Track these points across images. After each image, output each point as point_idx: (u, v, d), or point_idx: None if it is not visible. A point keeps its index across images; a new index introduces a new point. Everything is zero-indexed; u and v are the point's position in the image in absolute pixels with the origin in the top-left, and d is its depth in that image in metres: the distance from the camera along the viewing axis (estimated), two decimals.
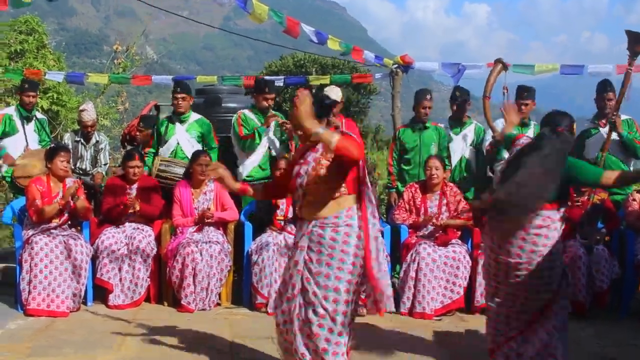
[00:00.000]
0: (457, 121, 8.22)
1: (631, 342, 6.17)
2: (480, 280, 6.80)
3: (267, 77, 8.99)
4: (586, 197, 7.16)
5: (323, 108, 4.47)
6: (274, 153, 7.72)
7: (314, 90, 5.07)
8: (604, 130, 7.53)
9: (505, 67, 6.08)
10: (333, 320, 4.30)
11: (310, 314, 4.31)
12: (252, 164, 7.67)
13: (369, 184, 4.46)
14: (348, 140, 4.11)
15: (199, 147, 7.85)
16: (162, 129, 7.93)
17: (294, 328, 4.38)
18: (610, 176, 4.62)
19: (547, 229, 4.63)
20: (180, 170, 7.60)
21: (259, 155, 7.69)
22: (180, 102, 7.87)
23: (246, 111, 7.78)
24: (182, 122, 7.93)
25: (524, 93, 7.70)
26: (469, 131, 8.17)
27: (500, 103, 6.33)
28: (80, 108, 8.49)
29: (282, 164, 7.18)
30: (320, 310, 4.29)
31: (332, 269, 4.32)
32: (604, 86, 7.80)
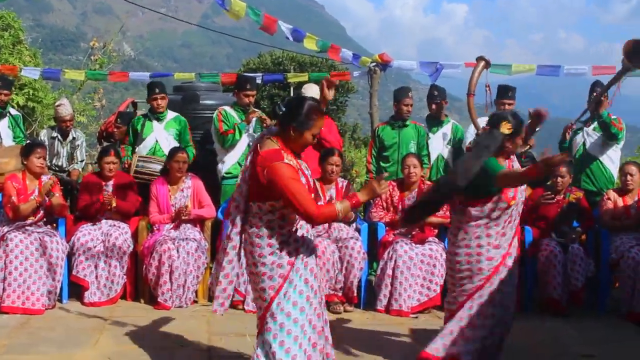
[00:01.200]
0: (435, 120, 8.27)
1: (612, 339, 6.23)
2: None
3: (247, 74, 8.98)
4: (562, 196, 7.23)
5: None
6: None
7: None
8: (587, 129, 7.81)
9: (488, 64, 6.11)
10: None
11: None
12: (231, 161, 7.65)
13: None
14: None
15: (177, 144, 7.82)
16: (139, 127, 7.90)
17: None
18: (503, 173, 4.74)
19: (466, 224, 4.93)
20: (158, 167, 7.57)
21: (238, 151, 7.67)
22: (160, 103, 7.87)
23: (227, 108, 7.76)
24: (159, 120, 7.90)
25: (508, 92, 7.78)
26: (447, 130, 8.23)
27: (483, 102, 6.38)
28: (57, 104, 8.43)
29: None
30: None
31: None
32: (593, 87, 7.98)
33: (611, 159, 7.86)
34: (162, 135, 7.88)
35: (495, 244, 4.91)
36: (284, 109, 4.12)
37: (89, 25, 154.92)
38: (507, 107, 7.62)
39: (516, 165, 5.12)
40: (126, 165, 7.74)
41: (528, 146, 7.59)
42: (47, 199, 6.84)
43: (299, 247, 4.15)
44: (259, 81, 10.27)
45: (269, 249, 4.09)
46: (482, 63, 6.14)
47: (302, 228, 4.19)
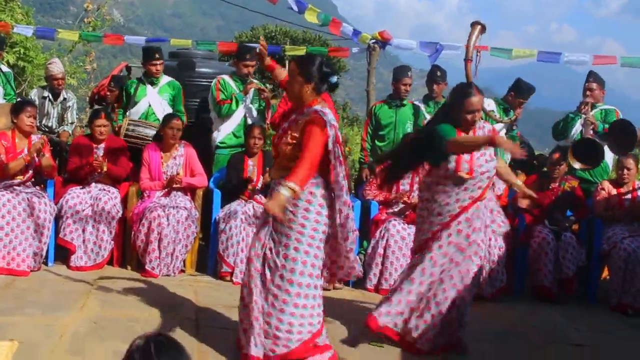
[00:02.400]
0: (432, 100, 8.18)
1: (602, 329, 6.23)
2: None
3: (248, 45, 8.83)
4: (557, 184, 7.19)
5: (325, 82, 4.60)
6: (249, 121, 7.59)
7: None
8: (586, 116, 7.74)
9: (483, 28, 6.06)
10: (289, 288, 4.53)
11: (270, 280, 4.56)
12: (226, 131, 7.55)
13: (339, 157, 4.55)
14: (309, 142, 4.39)
15: (170, 109, 7.70)
16: (132, 90, 7.75)
17: (254, 294, 4.60)
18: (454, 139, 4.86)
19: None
20: (149, 132, 7.44)
21: (234, 122, 7.57)
22: (158, 68, 7.72)
23: (225, 77, 7.64)
24: (153, 84, 7.76)
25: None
26: None
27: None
28: (48, 62, 8.27)
29: (257, 132, 7.10)
30: (277, 280, 4.54)
31: (291, 240, 4.52)
32: (587, 76, 7.97)
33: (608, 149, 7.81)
34: (155, 100, 7.73)
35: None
36: None
37: None
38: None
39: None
40: (117, 129, 7.60)
41: (515, 117, 7.61)
42: (36, 158, 6.70)
43: None
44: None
45: None
46: (478, 27, 6.10)
47: None
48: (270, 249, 4.57)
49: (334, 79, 4.60)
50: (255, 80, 7.70)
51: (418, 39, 10.74)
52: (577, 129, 7.84)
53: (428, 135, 5.06)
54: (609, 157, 7.89)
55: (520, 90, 7.75)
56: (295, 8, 8.94)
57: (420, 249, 5.26)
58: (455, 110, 5.00)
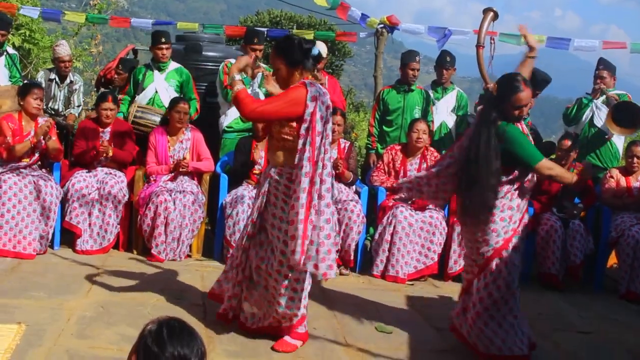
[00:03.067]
0: (440, 86, 8.12)
1: (609, 317, 6.20)
2: (454, 247, 6.78)
3: (256, 29, 8.76)
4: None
5: (310, 58, 4.58)
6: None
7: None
8: (596, 101, 7.79)
9: (496, 15, 6.01)
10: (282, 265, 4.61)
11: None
12: (233, 115, 7.50)
13: (319, 136, 4.48)
14: (272, 102, 4.53)
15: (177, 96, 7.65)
16: (140, 76, 7.70)
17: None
18: (546, 165, 4.64)
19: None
20: (157, 118, 7.41)
21: None
22: (165, 53, 7.66)
23: (233, 60, 7.58)
24: (161, 70, 7.71)
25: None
26: (451, 97, 8.10)
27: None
28: (56, 44, 8.22)
29: None
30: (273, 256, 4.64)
31: (285, 216, 4.56)
32: (597, 64, 7.94)
33: (617, 135, 7.76)
34: (162, 86, 7.68)
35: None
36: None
37: None
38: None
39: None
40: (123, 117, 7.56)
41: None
42: (43, 140, 6.67)
43: None
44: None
45: None
46: (491, 14, 6.05)
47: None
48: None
49: (315, 50, 4.58)
50: (262, 65, 7.64)
51: (425, 24, 10.64)
52: (587, 114, 7.79)
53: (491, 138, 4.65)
54: (619, 143, 7.86)
55: (535, 82, 7.66)
56: None
57: None
58: (503, 105, 4.66)
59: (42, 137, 6.62)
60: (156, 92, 7.67)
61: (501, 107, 4.64)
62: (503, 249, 4.69)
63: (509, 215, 4.72)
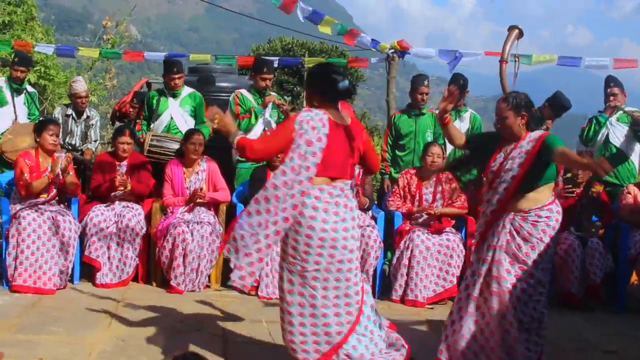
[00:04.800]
0: (453, 109, 8.12)
1: (633, 335, 6.17)
2: None
3: (265, 57, 8.84)
4: (582, 189, 7.13)
5: (337, 92, 4.56)
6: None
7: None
8: (611, 119, 7.76)
9: (521, 33, 6.07)
10: None
11: None
12: None
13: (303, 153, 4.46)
14: None
15: (192, 122, 7.73)
16: (154, 102, 7.77)
17: None
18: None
19: None
20: (174, 145, 7.43)
21: (253, 136, 7.55)
22: (177, 82, 7.72)
23: (243, 91, 7.65)
24: (175, 96, 7.78)
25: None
26: (465, 119, 8.11)
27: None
28: (72, 80, 8.33)
29: None
30: None
31: None
32: (607, 82, 7.91)
33: (634, 151, 7.75)
34: (177, 112, 7.75)
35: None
36: None
37: (96, 7, 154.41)
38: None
39: None
40: (141, 140, 7.60)
41: (546, 127, 7.53)
42: (60, 176, 6.73)
43: None
44: (275, 65, 10.11)
45: None
46: (516, 32, 6.11)
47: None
48: None
49: (343, 84, 4.55)
50: (273, 93, 7.70)
51: (436, 47, 10.68)
52: (603, 132, 7.77)
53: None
54: (636, 160, 7.83)
55: (554, 106, 7.67)
56: (301, 19, 8.91)
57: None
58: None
59: (59, 172, 6.68)
60: (171, 118, 7.73)
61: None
62: None
63: None
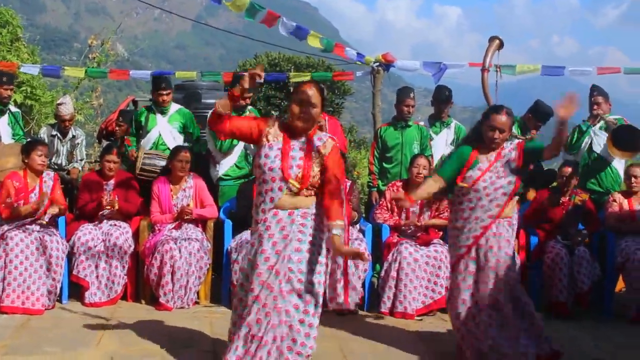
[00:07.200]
0: (438, 120, 8.19)
1: (623, 342, 6.21)
2: None
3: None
4: (567, 198, 7.18)
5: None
6: (249, 152, 7.60)
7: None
8: (594, 128, 7.88)
9: (501, 43, 6.16)
10: None
11: None
12: (229, 163, 7.58)
13: None
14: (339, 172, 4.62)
15: (181, 138, 7.77)
16: (142, 119, 7.79)
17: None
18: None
19: None
20: (163, 163, 7.42)
21: (235, 153, 7.59)
22: (165, 99, 7.76)
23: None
24: (163, 113, 7.80)
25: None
26: (450, 130, 8.17)
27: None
28: (59, 102, 8.34)
29: None
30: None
31: None
32: (591, 91, 8.00)
33: (618, 159, 7.81)
34: (165, 129, 7.77)
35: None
36: None
37: (82, 26, 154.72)
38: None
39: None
40: (132, 157, 7.60)
41: (530, 137, 7.60)
42: (44, 203, 6.67)
43: None
44: (260, 81, 10.10)
45: None
46: (496, 42, 6.19)
47: None
48: None
49: None
50: (253, 110, 7.69)
51: (421, 59, 10.75)
52: (587, 141, 7.85)
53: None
54: (620, 167, 7.89)
55: (538, 114, 7.79)
56: (285, 33, 8.97)
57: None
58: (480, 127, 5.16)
59: (44, 200, 6.65)
60: (160, 135, 7.75)
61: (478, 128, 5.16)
62: None
63: None
